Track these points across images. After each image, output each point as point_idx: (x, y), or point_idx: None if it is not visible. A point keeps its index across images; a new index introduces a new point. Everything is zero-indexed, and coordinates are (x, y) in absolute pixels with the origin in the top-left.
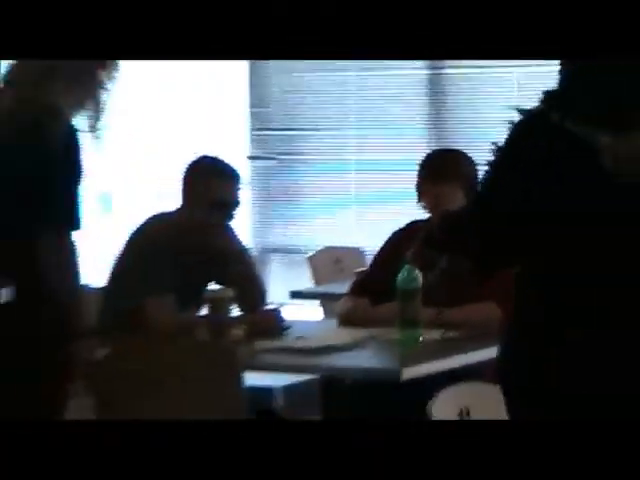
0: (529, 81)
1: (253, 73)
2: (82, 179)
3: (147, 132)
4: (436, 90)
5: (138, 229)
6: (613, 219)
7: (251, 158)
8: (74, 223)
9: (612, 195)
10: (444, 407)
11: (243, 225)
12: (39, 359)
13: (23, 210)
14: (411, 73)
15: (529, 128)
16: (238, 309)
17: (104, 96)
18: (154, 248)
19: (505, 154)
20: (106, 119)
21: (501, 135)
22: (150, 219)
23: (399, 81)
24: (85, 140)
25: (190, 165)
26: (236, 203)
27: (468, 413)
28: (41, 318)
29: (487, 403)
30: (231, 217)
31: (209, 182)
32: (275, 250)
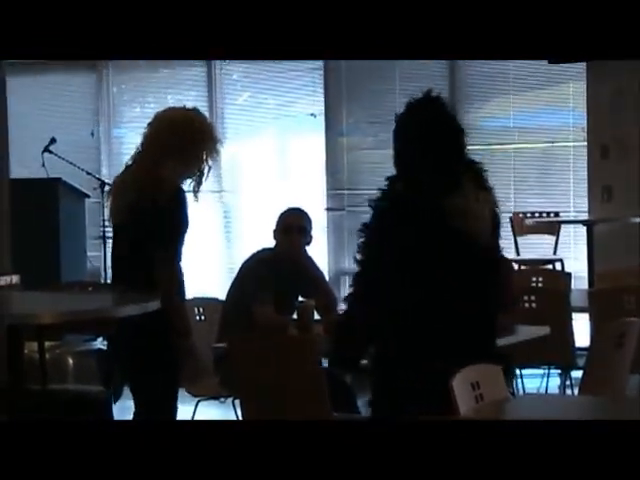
0: None
1: (329, 149)
2: (187, 228)
3: (253, 194)
4: None
5: (250, 258)
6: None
7: (328, 210)
8: (180, 252)
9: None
10: (461, 382)
11: (323, 256)
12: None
13: (146, 248)
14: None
15: (390, 214)
16: (318, 314)
17: (205, 169)
18: (260, 271)
19: (373, 243)
20: (205, 183)
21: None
22: (259, 251)
23: None
24: (190, 199)
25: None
26: (303, 229)
27: (479, 386)
28: (161, 321)
29: (491, 379)
30: (305, 242)
31: (285, 217)
32: (345, 273)
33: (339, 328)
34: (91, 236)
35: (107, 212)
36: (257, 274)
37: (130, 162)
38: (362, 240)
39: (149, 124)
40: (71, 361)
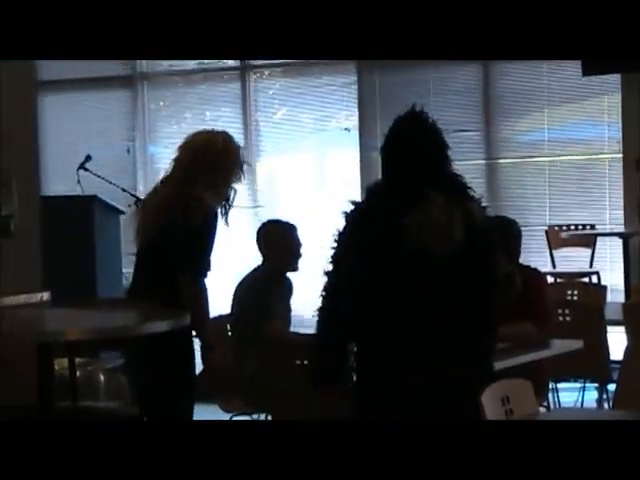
0: None
1: (363, 164)
2: (213, 245)
3: (289, 209)
4: None
5: (248, 278)
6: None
7: None
8: (207, 272)
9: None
10: (490, 397)
11: None
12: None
13: (174, 266)
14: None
15: (357, 217)
16: None
17: (231, 193)
18: (263, 287)
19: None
20: (233, 206)
21: None
22: (255, 270)
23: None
24: (219, 219)
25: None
26: (300, 244)
27: (508, 401)
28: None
29: (520, 393)
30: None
31: (281, 233)
32: None
33: (314, 340)
34: (126, 252)
35: (133, 231)
36: (261, 290)
37: (160, 184)
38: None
39: (179, 147)
40: (102, 378)
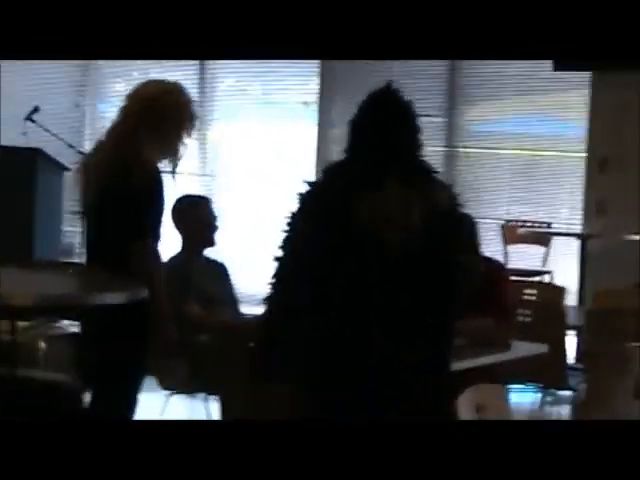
0: None
1: (321, 139)
2: (162, 208)
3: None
4: None
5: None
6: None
7: None
8: (157, 237)
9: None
10: (465, 403)
11: None
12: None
13: (121, 230)
14: None
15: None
16: None
17: (181, 148)
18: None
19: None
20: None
21: None
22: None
23: None
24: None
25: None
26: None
27: (482, 407)
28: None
29: (495, 400)
30: None
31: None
32: None
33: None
34: (67, 210)
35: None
36: (180, 274)
37: (104, 138)
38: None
39: (127, 96)
40: (43, 345)
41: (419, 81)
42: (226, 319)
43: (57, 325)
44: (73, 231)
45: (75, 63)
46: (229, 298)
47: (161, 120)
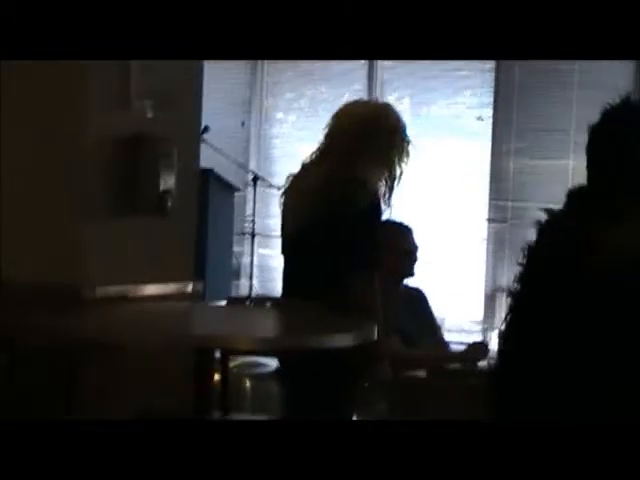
0: None
1: (494, 157)
2: (383, 235)
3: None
4: None
5: None
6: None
7: (489, 220)
8: (380, 267)
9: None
10: None
11: (480, 270)
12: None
13: (338, 259)
14: None
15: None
16: None
17: (397, 173)
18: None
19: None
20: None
21: None
22: None
23: None
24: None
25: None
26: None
27: None
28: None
29: None
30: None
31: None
32: (502, 290)
33: None
34: (236, 232)
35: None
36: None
37: (311, 161)
38: None
39: (335, 117)
40: (249, 384)
41: (602, 92)
42: (431, 353)
43: (261, 362)
44: (241, 251)
45: (242, 80)
46: (429, 327)
47: (373, 142)
